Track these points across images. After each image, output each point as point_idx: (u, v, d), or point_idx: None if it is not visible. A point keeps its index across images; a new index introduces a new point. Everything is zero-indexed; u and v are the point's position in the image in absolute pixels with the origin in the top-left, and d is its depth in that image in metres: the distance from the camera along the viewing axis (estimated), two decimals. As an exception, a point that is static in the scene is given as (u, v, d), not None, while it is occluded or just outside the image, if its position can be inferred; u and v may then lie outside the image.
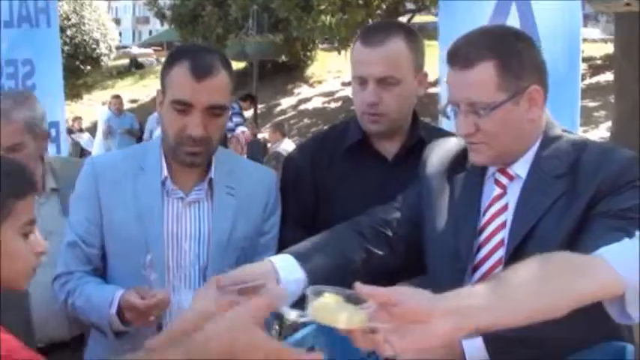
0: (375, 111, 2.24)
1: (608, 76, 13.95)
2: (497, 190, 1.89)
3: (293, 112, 18.30)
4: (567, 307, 1.36)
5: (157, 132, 3.91)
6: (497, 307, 1.31)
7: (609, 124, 9.89)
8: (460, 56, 1.81)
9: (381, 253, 2.00)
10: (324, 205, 2.31)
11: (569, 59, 3.13)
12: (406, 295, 1.31)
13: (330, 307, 1.30)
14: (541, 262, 1.41)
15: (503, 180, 1.88)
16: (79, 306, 2.13)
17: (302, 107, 18.73)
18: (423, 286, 1.53)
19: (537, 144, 1.86)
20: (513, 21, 3.14)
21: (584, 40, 17.90)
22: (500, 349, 1.62)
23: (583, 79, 14.52)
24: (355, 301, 1.31)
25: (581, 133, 2.98)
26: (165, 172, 2.17)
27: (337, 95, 18.22)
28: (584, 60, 15.94)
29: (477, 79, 1.78)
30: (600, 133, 11.70)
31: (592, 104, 13.06)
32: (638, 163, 1.78)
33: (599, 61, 16.08)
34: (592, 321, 1.52)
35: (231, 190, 2.21)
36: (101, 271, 2.20)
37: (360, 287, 1.31)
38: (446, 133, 2.34)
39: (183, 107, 2.08)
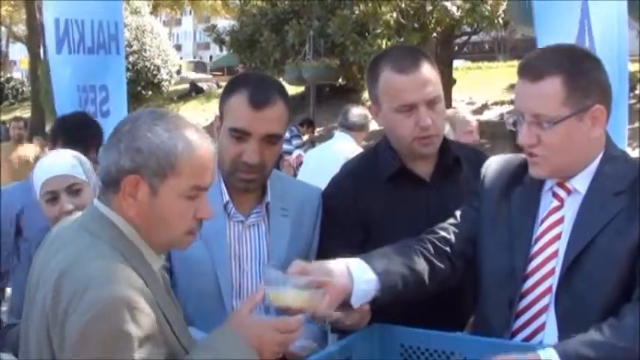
0: (429, 133, 2.25)
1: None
2: (555, 203, 1.93)
3: (350, 135, 18.29)
4: None
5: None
6: None
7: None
8: (530, 68, 1.86)
9: (442, 266, 2.02)
10: (376, 233, 2.30)
11: (619, 76, 3.11)
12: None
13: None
14: None
15: (562, 193, 1.92)
16: None
17: (359, 130, 18.70)
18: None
19: (597, 161, 1.90)
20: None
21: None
22: None
23: (643, 100, 14.22)
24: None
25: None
26: (226, 197, 2.22)
27: (394, 118, 18.13)
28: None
29: (543, 92, 1.83)
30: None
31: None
32: None
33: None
34: None
35: (285, 211, 2.27)
36: None
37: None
38: (476, 151, 2.45)
39: (240, 135, 2.13)
